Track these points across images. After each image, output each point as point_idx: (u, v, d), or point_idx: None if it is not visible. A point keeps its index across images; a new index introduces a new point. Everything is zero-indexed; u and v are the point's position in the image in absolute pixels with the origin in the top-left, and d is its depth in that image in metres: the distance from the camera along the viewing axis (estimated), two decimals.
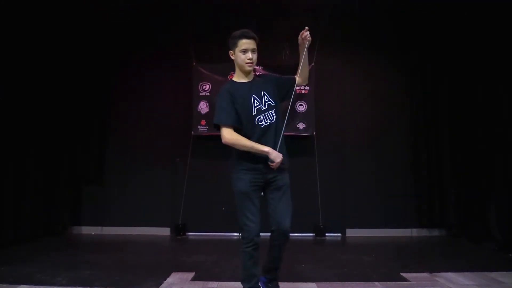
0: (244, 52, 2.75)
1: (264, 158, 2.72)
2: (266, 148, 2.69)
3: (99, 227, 6.11)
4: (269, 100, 2.81)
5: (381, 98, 6.18)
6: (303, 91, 6.04)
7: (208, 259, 4.51)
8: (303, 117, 6.03)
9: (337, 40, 6.12)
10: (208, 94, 6.07)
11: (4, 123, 4.97)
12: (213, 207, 6.03)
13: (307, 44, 2.85)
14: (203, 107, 6.05)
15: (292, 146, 5.85)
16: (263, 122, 2.76)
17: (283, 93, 2.96)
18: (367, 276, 3.78)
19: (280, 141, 2.77)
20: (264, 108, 2.77)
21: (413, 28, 6.06)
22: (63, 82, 5.96)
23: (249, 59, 2.75)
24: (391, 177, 6.08)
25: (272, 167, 2.71)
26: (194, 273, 3.89)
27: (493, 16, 5.13)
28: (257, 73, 5.88)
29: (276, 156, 2.69)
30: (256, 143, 2.72)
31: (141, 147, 6.15)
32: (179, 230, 5.99)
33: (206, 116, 6.04)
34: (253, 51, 2.75)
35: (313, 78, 6.01)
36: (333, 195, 6.05)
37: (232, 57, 2.85)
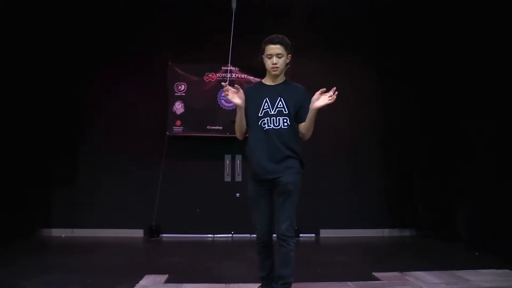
0: (270, 57, 2.81)
1: (262, 164, 2.75)
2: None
3: (70, 229, 5.96)
4: (283, 107, 2.78)
5: (356, 101, 6.27)
6: None
7: (182, 261, 4.47)
8: None
9: (314, 43, 6.18)
10: (183, 94, 6.02)
11: None
12: (188, 208, 5.99)
13: (324, 104, 2.78)
14: (179, 107, 6.00)
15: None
16: (266, 125, 2.76)
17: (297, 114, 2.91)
18: (340, 276, 3.83)
19: (283, 151, 2.75)
20: (272, 112, 2.77)
21: (391, 33, 6.19)
22: (35, 81, 5.80)
23: (273, 64, 2.80)
24: (364, 179, 6.19)
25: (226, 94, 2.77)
26: (167, 275, 3.84)
27: (467, 23, 5.29)
28: (243, 77, 5.94)
29: (226, 89, 2.76)
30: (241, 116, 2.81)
31: (114, 147, 6.05)
32: (152, 232, 5.91)
33: (181, 116, 5.99)
34: (278, 56, 2.80)
35: (289, 78, 6.04)
36: (308, 195, 6.10)
37: (263, 62, 2.91)
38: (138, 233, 6.01)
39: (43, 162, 5.94)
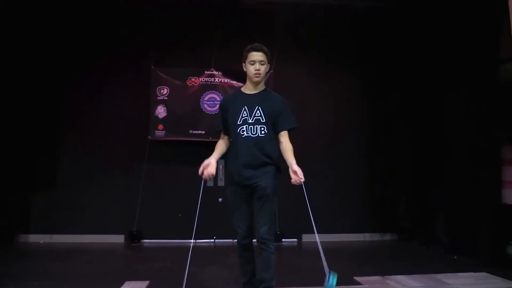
0: (253, 63, 2.86)
1: (240, 170, 2.84)
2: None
3: (49, 235, 5.83)
4: (260, 116, 2.85)
5: (339, 107, 6.36)
6: None
7: (164, 267, 4.43)
8: None
9: (295, 49, 6.24)
10: (166, 98, 5.99)
11: None
12: (170, 213, 5.94)
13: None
14: (161, 111, 5.96)
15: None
16: (244, 133, 2.84)
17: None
18: (322, 281, 3.83)
19: (260, 158, 2.84)
20: (250, 121, 2.85)
21: (370, 41, 6.30)
22: (15, 85, 5.67)
23: (256, 70, 2.86)
24: (346, 184, 6.25)
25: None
26: (148, 281, 3.80)
27: (444, 27, 5.42)
28: (225, 82, 5.94)
29: (202, 166, 2.79)
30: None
31: (95, 151, 5.95)
32: (133, 237, 5.84)
33: (164, 120, 5.95)
34: (260, 63, 2.86)
35: (272, 85, 6.08)
36: (290, 201, 6.12)
37: (244, 69, 2.96)
38: (119, 238, 5.92)
39: (22, 166, 5.80)
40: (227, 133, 2.97)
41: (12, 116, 5.66)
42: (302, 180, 2.83)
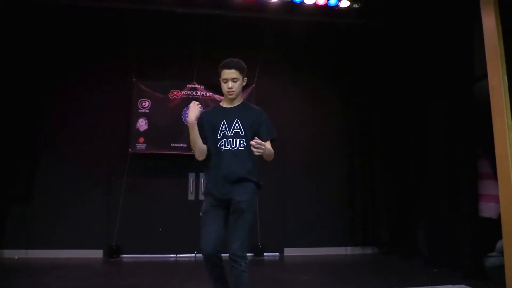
0: (225, 82, 2.89)
1: (218, 184, 2.81)
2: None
3: (24, 250, 5.65)
4: (239, 129, 2.87)
5: (319, 121, 6.44)
6: None
7: (143, 282, 4.34)
8: None
9: (277, 64, 6.31)
10: (147, 111, 5.95)
11: None
12: (150, 227, 5.85)
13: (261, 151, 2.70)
14: (142, 124, 5.92)
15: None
16: (223, 146, 2.85)
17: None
18: None
19: (239, 172, 2.81)
20: (229, 134, 2.86)
21: (350, 56, 6.43)
22: None
23: (229, 88, 2.88)
24: (327, 197, 6.29)
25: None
26: None
27: (419, 51, 5.58)
28: (208, 95, 5.94)
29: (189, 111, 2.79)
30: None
31: (74, 163, 5.85)
32: (112, 252, 5.71)
33: (145, 133, 5.91)
34: (233, 80, 2.88)
35: (254, 99, 6.14)
36: (272, 214, 6.12)
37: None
38: (98, 253, 5.79)
39: None
40: (204, 141, 2.91)
41: None
42: (258, 145, 2.63)
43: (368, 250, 6.26)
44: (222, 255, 2.76)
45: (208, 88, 6.08)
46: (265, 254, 5.97)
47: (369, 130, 6.45)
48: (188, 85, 6.08)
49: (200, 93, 6.08)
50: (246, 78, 3.00)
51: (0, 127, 5.65)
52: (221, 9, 5.71)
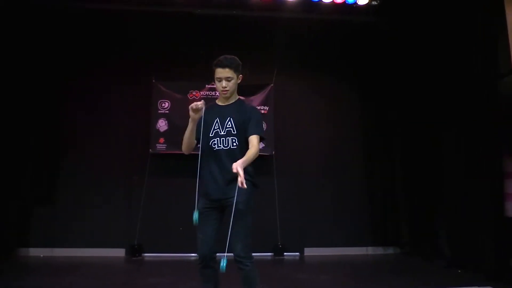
0: (219, 81, 2.82)
1: (212, 184, 2.77)
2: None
3: (49, 249, 5.79)
4: (231, 127, 2.81)
5: (337, 119, 6.39)
6: (262, 112, 6.12)
7: (164, 281, 4.39)
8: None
9: (295, 63, 6.29)
10: (167, 112, 6.01)
11: None
12: (171, 227, 5.91)
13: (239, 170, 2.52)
14: (162, 124, 5.98)
15: (251, 165, 5.98)
16: (216, 146, 2.79)
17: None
18: None
19: (232, 172, 2.62)
20: (222, 133, 2.81)
21: (368, 55, 6.35)
22: (14, 98, 5.70)
23: (223, 87, 2.82)
24: (347, 197, 6.23)
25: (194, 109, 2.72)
26: None
27: (439, 45, 5.47)
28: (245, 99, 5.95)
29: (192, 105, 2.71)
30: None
31: (96, 164, 5.96)
32: (134, 251, 5.80)
33: (165, 133, 5.97)
34: (227, 79, 2.80)
35: (272, 99, 6.14)
36: (292, 214, 6.10)
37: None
38: (120, 252, 5.89)
39: (23, 179, 5.81)
40: (196, 136, 2.89)
41: (12, 130, 5.68)
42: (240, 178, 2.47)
43: (389, 250, 6.18)
44: (231, 254, 2.71)
45: None
46: (285, 253, 5.96)
47: (387, 128, 6.36)
48: (207, 85, 6.12)
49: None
50: (241, 75, 2.91)
51: (25, 130, 5.82)
52: (238, 9, 5.73)
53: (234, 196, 2.63)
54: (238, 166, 2.49)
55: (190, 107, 2.74)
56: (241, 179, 2.44)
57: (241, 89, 6.70)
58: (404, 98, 6.19)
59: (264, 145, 6.07)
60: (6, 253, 5.56)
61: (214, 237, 2.77)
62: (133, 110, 6.12)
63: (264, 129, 5.96)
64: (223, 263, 2.49)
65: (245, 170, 2.69)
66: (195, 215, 2.61)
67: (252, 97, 6.11)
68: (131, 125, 6.10)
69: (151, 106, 6.02)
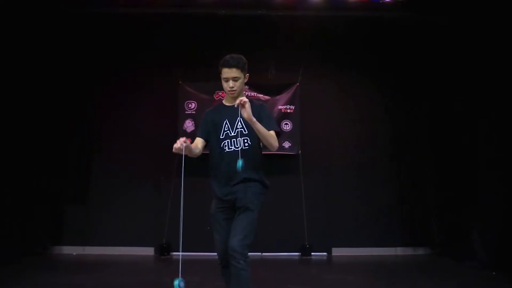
0: (226, 81, 2.77)
1: (223, 185, 2.77)
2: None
3: (81, 247, 5.97)
4: (242, 127, 2.74)
5: (364, 117, 6.28)
6: (288, 111, 6.10)
7: (193, 280, 4.43)
8: (288, 136, 6.07)
9: (321, 61, 6.22)
10: (194, 112, 6.07)
11: None
12: (198, 226, 5.96)
13: (245, 113, 2.53)
14: (189, 125, 6.05)
15: (278, 165, 5.98)
16: (227, 147, 2.75)
17: None
18: None
19: (242, 174, 2.66)
20: (232, 134, 2.75)
21: (393, 50, 6.20)
22: (44, 98, 5.91)
23: (230, 88, 2.76)
24: (375, 196, 6.12)
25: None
26: None
27: (469, 36, 5.31)
28: (252, 95, 5.97)
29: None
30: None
31: (125, 165, 6.09)
32: (163, 250, 5.89)
33: (192, 134, 6.03)
34: (234, 79, 2.74)
35: (298, 98, 6.11)
36: (319, 214, 6.05)
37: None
38: (149, 251, 6.00)
39: (55, 179, 6.00)
40: (203, 137, 2.87)
41: (45, 131, 5.88)
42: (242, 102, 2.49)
43: (420, 251, 6.02)
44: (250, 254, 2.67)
45: (252, 87, 6.09)
46: (312, 253, 5.91)
47: (417, 126, 6.19)
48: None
49: (245, 93, 6.09)
50: (248, 74, 2.85)
51: (55, 131, 6.00)
52: (262, 8, 5.73)
53: (240, 194, 2.66)
54: (246, 100, 2.49)
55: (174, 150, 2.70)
56: (241, 100, 2.46)
57: (267, 88, 6.74)
58: (434, 93, 6.03)
59: (290, 145, 6.05)
60: (41, 251, 5.77)
61: (226, 239, 2.73)
62: (161, 111, 6.21)
63: (290, 128, 6.02)
64: (240, 163, 2.51)
65: (255, 170, 2.71)
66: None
67: (278, 97, 6.10)
68: (158, 126, 6.19)
69: (178, 107, 6.10)
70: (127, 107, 6.20)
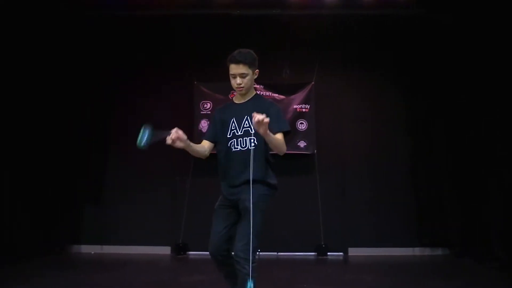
0: (233, 77, 2.70)
1: (229, 185, 2.72)
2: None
3: (99, 246, 6.07)
4: (249, 127, 2.64)
5: (380, 116, 6.21)
6: (303, 110, 6.08)
7: (209, 279, 4.46)
8: (304, 135, 6.05)
9: (336, 60, 6.19)
10: (209, 112, 6.10)
11: (1, 143, 5.01)
12: None
13: (261, 130, 2.39)
14: (204, 125, 6.08)
15: (293, 165, 5.97)
16: (233, 147, 2.69)
17: None
18: None
19: (248, 175, 2.57)
20: (239, 133, 2.68)
21: (407, 49, 6.12)
22: (64, 99, 6.01)
23: (238, 84, 2.69)
24: (392, 195, 6.05)
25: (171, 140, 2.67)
26: None
27: (488, 34, 5.21)
28: (267, 95, 5.96)
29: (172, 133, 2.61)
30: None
31: (141, 165, 6.14)
32: (179, 249, 5.94)
33: None
34: (241, 75, 2.66)
35: (314, 97, 6.09)
36: (335, 213, 6.02)
37: None
38: (166, 250, 6.05)
39: (73, 179, 6.10)
40: (210, 140, 2.83)
41: (62, 132, 5.98)
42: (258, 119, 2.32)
43: (438, 251, 5.93)
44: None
45: (267, 87, 6.10)
46: (328, 253, 5.88)
47: (434, 125, 6.08)
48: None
49: (260, 93, 6.09)
50: (257, 70, 2.74)
51: (72, 132, 6.09)
52: (277, 8, 5.72)
53: (244, 194, 2.58)
54: (261, 117, 2.30)
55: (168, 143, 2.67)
56: (258, 117, 2.29)
57: (282, 88, 6.72)
58: (452, 93, 5.93)
59: (306, 144, 6.03)
60: (60, 250, 5.88)
61: (225, 235, 2.71)
62: (176, 111, 6.25)
63: (305, 127, 6.00)
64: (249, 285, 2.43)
65: (262, 171, 2.64)
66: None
67: (293, 96, 6.09)
68: (174, 126, 6.20)
69: (194, 107, 6.13)
70: (143, 108, 6.25)
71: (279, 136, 2.60)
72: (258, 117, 2.32)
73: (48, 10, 5.45)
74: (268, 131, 2.40)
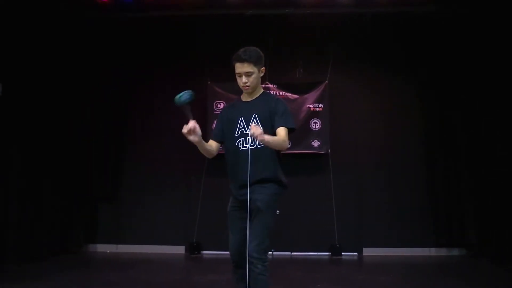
0: (239, 76, 2.67)
1: (236, 185, 2.67)
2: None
3: (114, 245, 6.13)
4: (257, 125, 2.57)
5: (395, 115, 6.15)
6: (317, 109, 6.05)
7: (223, 279, 4.47)
8: (317, 134, 6.02)
9: (349, 59, 6.15)
10: None
11: (20, 143, 5.10)
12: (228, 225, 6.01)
13: (258, 138, 2.39)
14: None
15: (307, 164, 5.95)
16: (242, 145, 2.65)
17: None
18: None
19: (258, 173, 2.56)
20: (247, 132, 2.62)
21: (421, 46, 6.04)
22: (81, 101, 6.10)
23: (244, 83, 2.66)
24: (407, 194, 5.99)
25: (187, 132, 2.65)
26: None
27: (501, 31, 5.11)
28: (281, 94, 5.95)
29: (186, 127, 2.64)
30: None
31: (156, 165, 6.20)
32: (193, 249, 5.97)
33: None
34: (247, 74, 2.63)
35: (327, 96, 6.06)
36: (349, 213, 5.98)
37: None
38: (180, 249, 6.09)
39: (89, 180, 6.17)
40: (217, 139, 2.83)
41: (78, 133, 6.06)
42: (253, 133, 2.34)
43: (455, 252, 5.85)
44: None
45: (281, 87, 6.09)
46: (343, 253, 5.85)
47: (450, 123, 5.98)
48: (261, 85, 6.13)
49: (273, 93, 6.10)
50: (263, 68, 2.70)
51: (89, 132, 6.17)
52: (290, 7, 5.70)
53: (255, 195, 2.55)
54: (258, 131, 2.31)
55: (183, 133, 2.66)
56: (254, 131, 2.31)
57: (296, 87, 6.69)
58: (467, 90, 5.83)
59: (319, 143, 6.00)
60: (76, 249, 5.97)
61: (240, 239, 2.67)
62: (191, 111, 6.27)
63: (319, 126, 5.97)
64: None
65: (271, 170, 2.61)
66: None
67: (306, 95, 6.06)
68: None
69: (207, 107, 6.16)
70: (159, 107, 6.30)
71: (282, 131, 2.56)
72: (253, 131, 2.34)
73: (67, 15, 5.55)
74: (266, 140, 2.39)
